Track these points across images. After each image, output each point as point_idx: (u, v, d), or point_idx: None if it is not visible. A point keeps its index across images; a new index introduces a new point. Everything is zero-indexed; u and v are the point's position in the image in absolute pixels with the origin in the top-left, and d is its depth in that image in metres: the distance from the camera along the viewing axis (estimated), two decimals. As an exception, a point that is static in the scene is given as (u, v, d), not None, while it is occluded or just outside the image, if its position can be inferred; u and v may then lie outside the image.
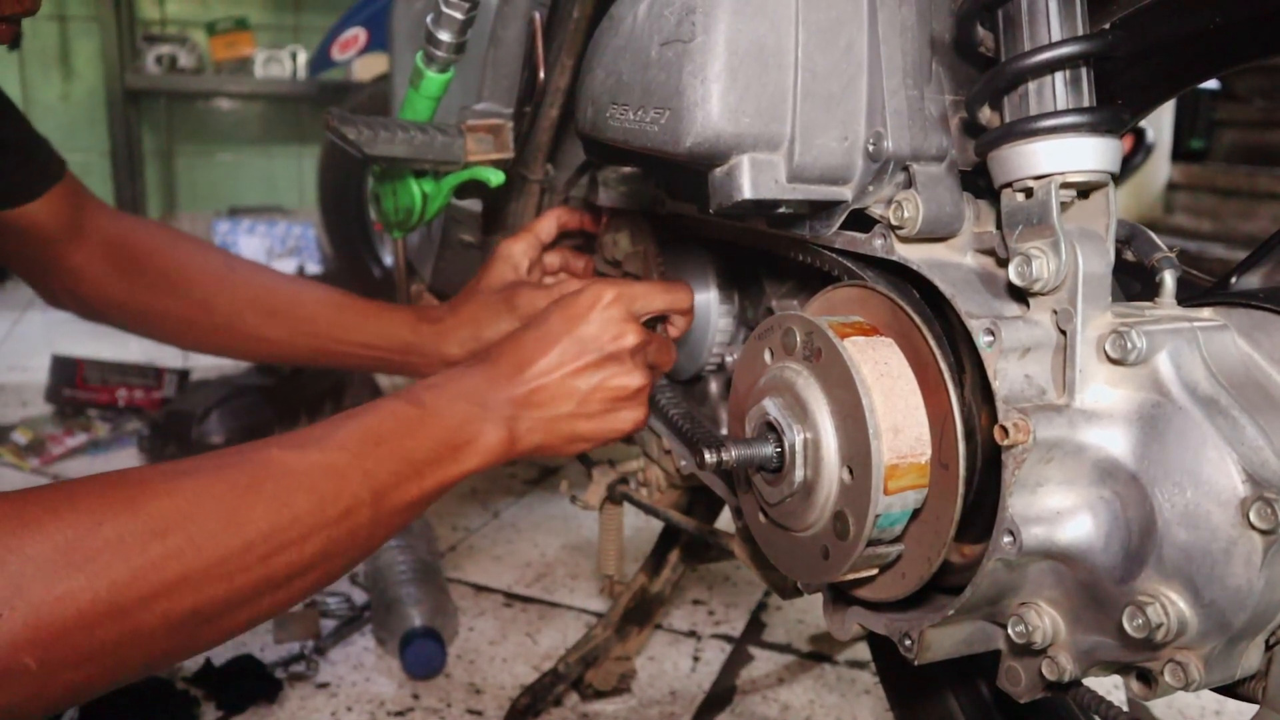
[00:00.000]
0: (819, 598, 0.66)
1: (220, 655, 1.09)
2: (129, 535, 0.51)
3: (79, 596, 0.48)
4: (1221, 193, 3.11)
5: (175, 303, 0.96)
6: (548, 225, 0.93)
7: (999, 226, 0.53)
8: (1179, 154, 3.22)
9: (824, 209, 0.60)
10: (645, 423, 0.75)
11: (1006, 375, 0.50)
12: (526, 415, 0.71)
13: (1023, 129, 0.50)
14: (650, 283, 0.77)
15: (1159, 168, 3.11)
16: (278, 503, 0.57)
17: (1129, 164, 2.81)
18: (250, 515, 0.56)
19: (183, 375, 1.93)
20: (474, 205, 1.06)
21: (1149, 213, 3.21)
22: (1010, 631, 0.52)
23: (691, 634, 1.20)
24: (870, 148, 0.56)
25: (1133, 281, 0.59)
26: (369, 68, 3.05)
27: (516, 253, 0.92)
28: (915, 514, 0.54)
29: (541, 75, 0.91)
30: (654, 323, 0.80)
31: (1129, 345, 0.47)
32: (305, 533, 0.58)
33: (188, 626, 0.53)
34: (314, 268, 3.24)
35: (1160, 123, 2.90)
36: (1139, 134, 2.76)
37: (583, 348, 0.71)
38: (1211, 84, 3.13)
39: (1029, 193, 0.51)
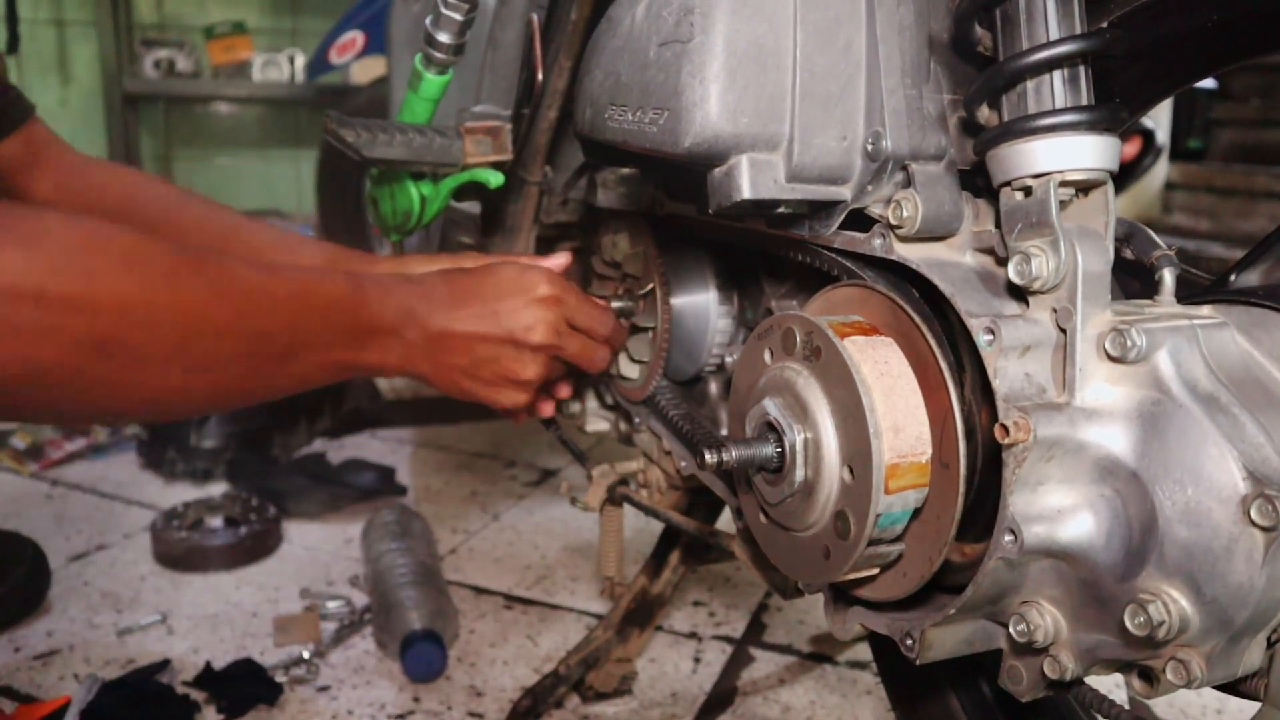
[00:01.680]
0: (819, 598, 0.66)
1: (220, 658, 1.09)
2: (72, 240, 0.55)
3: (8, 268, 0.52)
4: (1219, 192, 3.11)
5: None
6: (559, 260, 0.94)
7: (998, 225, 0.53)
8: (1176, 153, 3.23)
9: (823, 209, 0.60)
10: (523, 408, 0.80)
11: (1006, 374, 0.50)
12: (426, 347, 0.75)
13: (1021, 127, 0.50)
14: (588, 300, 0.81)
15: (1157, 167, 3.11)
16: (213, 289, 0.62)
17: (1139, 166, 2.80)
18: (188, 284, 0.60)
19: (182, 379, 1.93)
20: (472, 208, 1.06)
21: (1147, 212, 3.21)
22: (1012, 630, 0.52)
23: (692, 635, 1.20)
24: (869, 147, 0.56)
25: (1131, 280, 0.59)
26: (367, 71, 3.05)
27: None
28: (916, 513, 0.54)
29: (539, 77, 0.91)
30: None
31: (1129, 343, 0.47)
32: (224, 328, 0.63)
33: (97, 352, 0.56)
34: (312, 271, 3.23)
35: (1157, 122, 2.90)
36: (1148, 136, 2.75)
37: (495, 321, 0.75)
38: (1208, 83, 3.13)
39: (1028, 191, 0.51)
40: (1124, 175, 2.77)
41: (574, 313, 0.78)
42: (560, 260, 0.91)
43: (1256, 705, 0.49)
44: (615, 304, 0.87)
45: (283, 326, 0.66)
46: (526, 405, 0.80)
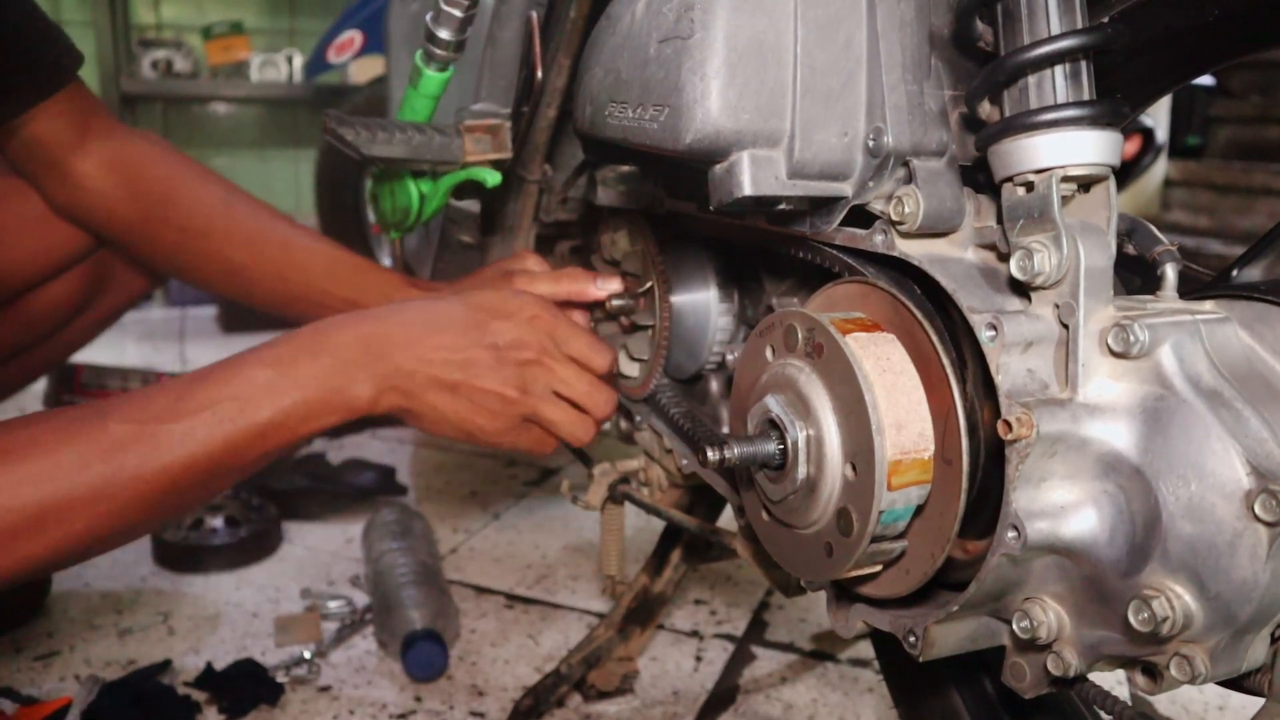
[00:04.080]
0: (821, 596, 0.66)
1: (221, 659, 1.09)
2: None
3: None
4: (1218, 189, 3.12)
5: (171, 232, 0.97)
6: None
7: (1000, 221, 0.53)
8: (1175, 150, 3.23)
9: (824, 205, 0.60)
10: (540, 445, 0.79)
11: (1009, 370, 0.49)
12: (397, 374, 0.73)
13: (1023, 122, 0.50)
14: (582, 331, 0.79)
15: (1156, 164, 3.11)
16: (103, 475, 0.64)
17: (1139, 164, 2.80)
18: (73, 488, 0.63)
19: (181, 380, 1.93)
20: (472, 206, 1.06)
21: (1146, 209, 3.21)
22: (1015, 627, 0.52)
23: (694, 634, 1.20)
24: (870, 143, 0.56)
25: (1133, 276, 0.59)
26: (365, 70, 3.05)
27: (531, 261, 0.93)
28: (919, 510, 0.54)
29: (539, 75, 0.90)
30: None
31: (1132, 338, 0.47)
32: (121, 490, 0.65)
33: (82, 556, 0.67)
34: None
35: (1156, 120, 2.90)
36: (1148, 134, 2.75)
37: (481, 335, 0.74)
38: (1207, 80, 3.13)
39: (1030, 187, 0.51)
40: (1124, 173, 2.77)
41: (566, 339, 0.76)
42: (613, 285, 0.89)
43: (1260, 701, 0.49)
44: (615, 301, 0.87)
45: (199, 457, 0.67)
46: (538, 440, 0.78)
